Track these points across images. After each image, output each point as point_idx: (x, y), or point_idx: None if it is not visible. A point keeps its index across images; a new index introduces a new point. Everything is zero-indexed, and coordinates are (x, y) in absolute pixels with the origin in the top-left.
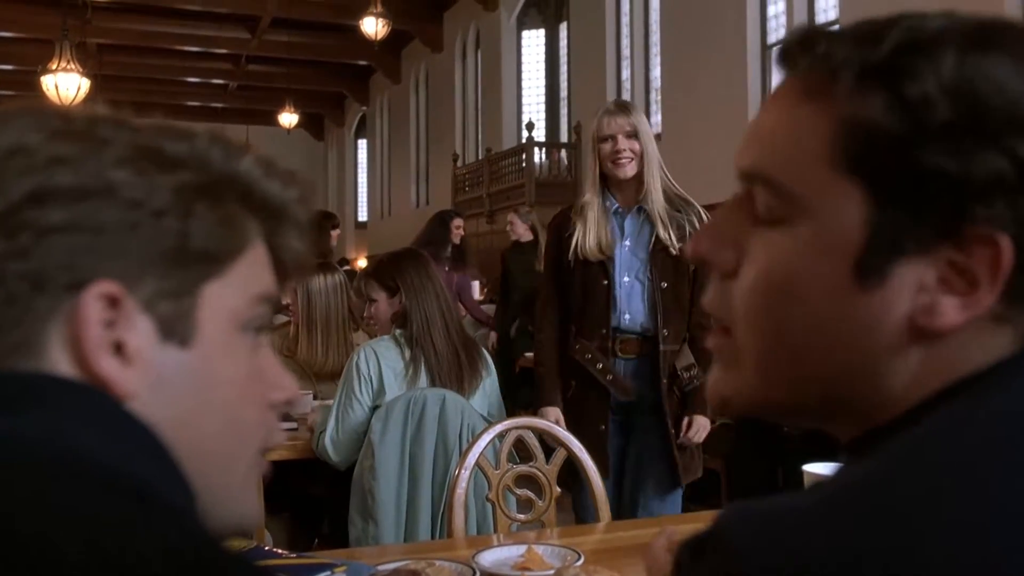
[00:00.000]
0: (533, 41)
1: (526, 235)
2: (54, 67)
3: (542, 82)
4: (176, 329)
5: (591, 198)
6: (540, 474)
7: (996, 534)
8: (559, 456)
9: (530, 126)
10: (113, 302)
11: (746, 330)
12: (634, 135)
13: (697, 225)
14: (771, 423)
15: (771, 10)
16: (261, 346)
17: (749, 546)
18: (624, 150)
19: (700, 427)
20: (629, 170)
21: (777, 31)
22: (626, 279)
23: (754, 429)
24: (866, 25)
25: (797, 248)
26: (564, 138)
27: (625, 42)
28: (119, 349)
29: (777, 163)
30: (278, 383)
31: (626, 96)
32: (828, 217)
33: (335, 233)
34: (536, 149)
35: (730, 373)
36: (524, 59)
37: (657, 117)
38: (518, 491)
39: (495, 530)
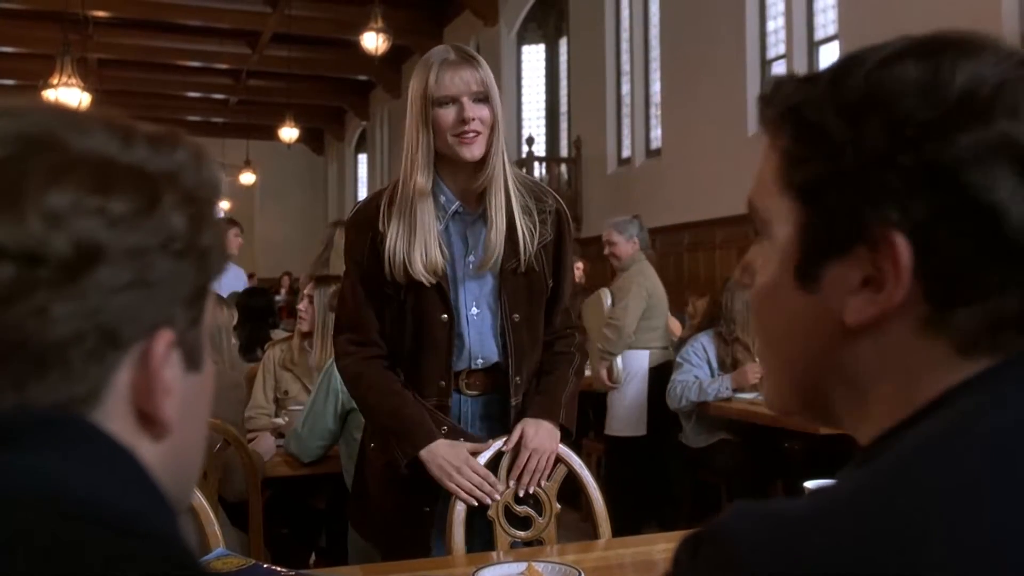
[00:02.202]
0: (533, 56)
1: None
2: (55, 82)
3: (542, 97)
4: (195, 357)
5: (422, 187)
6: (540, 491)
7: (993, 538)
8: (559, 473)
9: (530, 141)
10: (167, 347)
11: (756, 338)
12: (484, 98)
13: (549, 221)
14: (773, 439)
15: (770, 25)
16: None
17: (748, 544)
18: (473, 119)
19: (532, 436)
20: (477, 149)
21: (776, 46)
22: (475, 311)
23: (755, 445)
24: (826, 70)
25: (766, 260)
26: (564, 153)
27: (625, 57)
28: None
29: (756, 192)
30: None
31: (626, 111)
32: (777, 230)
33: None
34: (536, 164)
35: (766, 379)
36: (524, 74)
37: (657, 132)
38: (518, 508)
39: (495, 547)
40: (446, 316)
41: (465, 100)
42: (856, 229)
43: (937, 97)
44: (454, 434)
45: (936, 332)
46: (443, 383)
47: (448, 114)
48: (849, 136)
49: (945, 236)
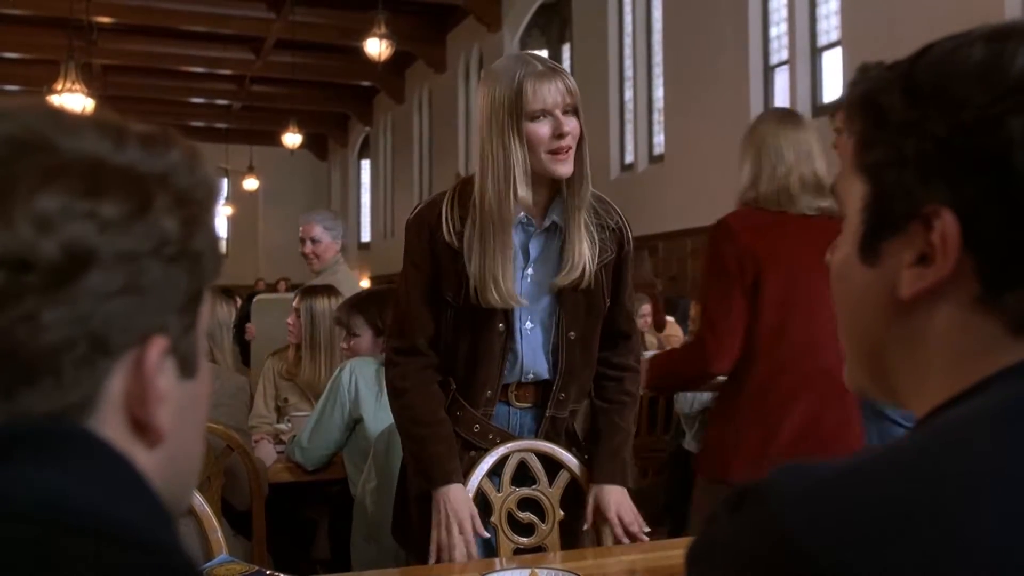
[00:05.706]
0: None
1: None
2: (60, 88)
3: None
4: (190, 364)
5: (526, 201)
6: (543, 497)
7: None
8: (562, 479)
9: None
10: (161, 354)
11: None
12: (574, 110)
13: (610, 238)
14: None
15: (773, 31)
16: None
17: (786, 500)
18: (567, 133)
19: (613, 502)
20: (569, 166)
21: (779, 52)
22: (528, 325)
23: None
24: (908, 56)
25: (842, 239)
26: None
27: (628, 63)
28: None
29: (837, 176)
30: None
31: (629, 117)
32: (850, 209)
33: None
34: None
35: (845, 357)
36: None
37: (660, 138)
38: (521, 514)
39: (498, 554)
40: (503, 327)
41: (558, 113)
42: (911, 207)
43: (994, 81)
44: (502, 438)
45: (987, 311)
46: (490, 392)
47: (542, 128)
48: (912, 118)
49: (994, 216)
